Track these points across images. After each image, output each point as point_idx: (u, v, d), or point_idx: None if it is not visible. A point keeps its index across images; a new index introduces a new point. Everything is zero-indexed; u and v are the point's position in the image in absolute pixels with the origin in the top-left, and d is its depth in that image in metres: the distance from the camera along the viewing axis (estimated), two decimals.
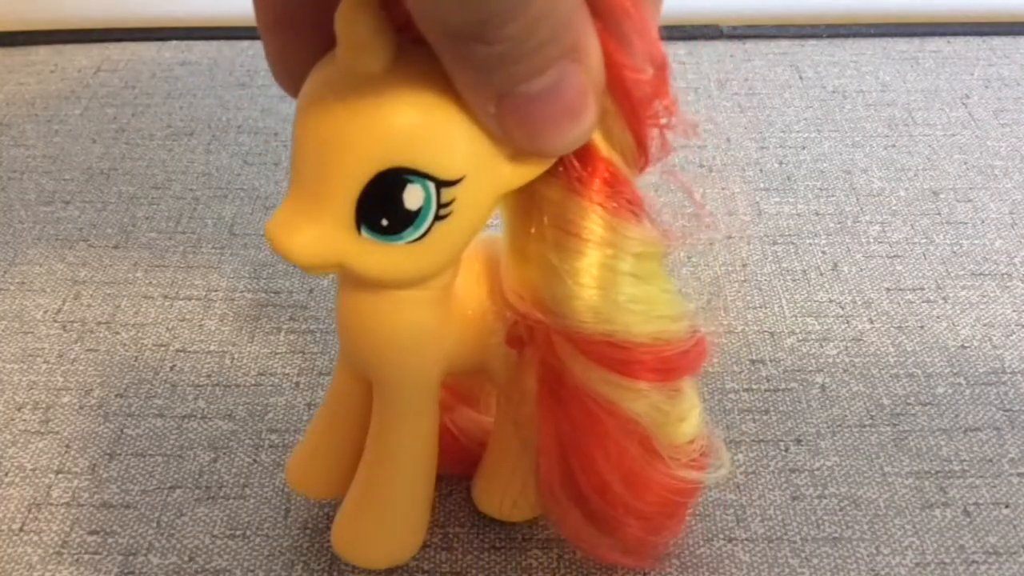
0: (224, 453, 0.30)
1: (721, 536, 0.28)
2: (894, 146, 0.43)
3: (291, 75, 0.21)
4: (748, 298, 0.36)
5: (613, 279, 0.21)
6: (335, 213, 0.19)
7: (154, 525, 0.28)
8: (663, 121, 0.21)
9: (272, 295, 0.36)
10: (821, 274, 0.37)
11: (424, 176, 0.19)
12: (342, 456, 0.26)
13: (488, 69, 0.18)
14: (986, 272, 0.37)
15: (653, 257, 0.22)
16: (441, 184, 0.19)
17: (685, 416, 0.23)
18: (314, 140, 0.19)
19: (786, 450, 0.30)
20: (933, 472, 0.30)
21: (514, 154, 0.20)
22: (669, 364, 0.22)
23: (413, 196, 0.19)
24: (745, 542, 0.28)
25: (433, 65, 0.19)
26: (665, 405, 0.23)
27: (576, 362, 0.22)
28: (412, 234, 0.20)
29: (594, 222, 0.21)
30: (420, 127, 0.19)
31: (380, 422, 0.24)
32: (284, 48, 0.21)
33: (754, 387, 0.32)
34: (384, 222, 0.19)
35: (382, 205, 0.19)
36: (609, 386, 0.22)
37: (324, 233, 0.19)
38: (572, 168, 0.21)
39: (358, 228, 0.19)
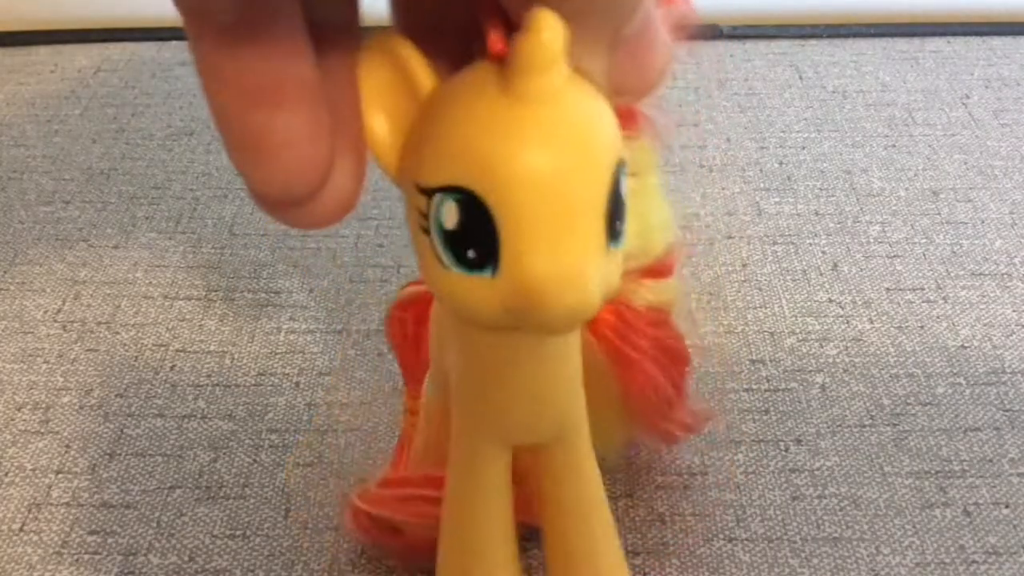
0: (224, 453, 0.30)
1: (721, 536, 0.28)
2: (894, 146, 0.43)
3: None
4: (748, 298, 0.36)
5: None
6: (597, 239, 0.17)
7: (154, 525, 0.28)
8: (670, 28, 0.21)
9: (272, 295, 0.36)
10: (821, 274, 0.37)
11: (625, 162, 0.18)
12: (509, 556, 0.24)
13: (603, 16, 0.17)
14: (986, 272, 0.37)
15: (650, 170, 0.22)
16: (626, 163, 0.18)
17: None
18: (556, 180, 0.17)
19: (786, 450, 0.30)
20: (933, 472, 0.30)
21: None
22: (666, 264, 0.26)
23: (625, 185, 0.18)
24: (745, 542, 0.28)
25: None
26: (663, 292, 0.26)
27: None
28: (626, 225, 0.18)
29: None
30: (611, 115, 0.18)
31: (574, 478, 0.23)
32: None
33: (754, 387, 0.32)
34: (619, 224, 0.18)
35: (617, 208, 0.18)
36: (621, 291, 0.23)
37: (599, 266, 0.17)
38: None
39: (608, 243, 0.18)
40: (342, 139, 0.18)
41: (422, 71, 0.18)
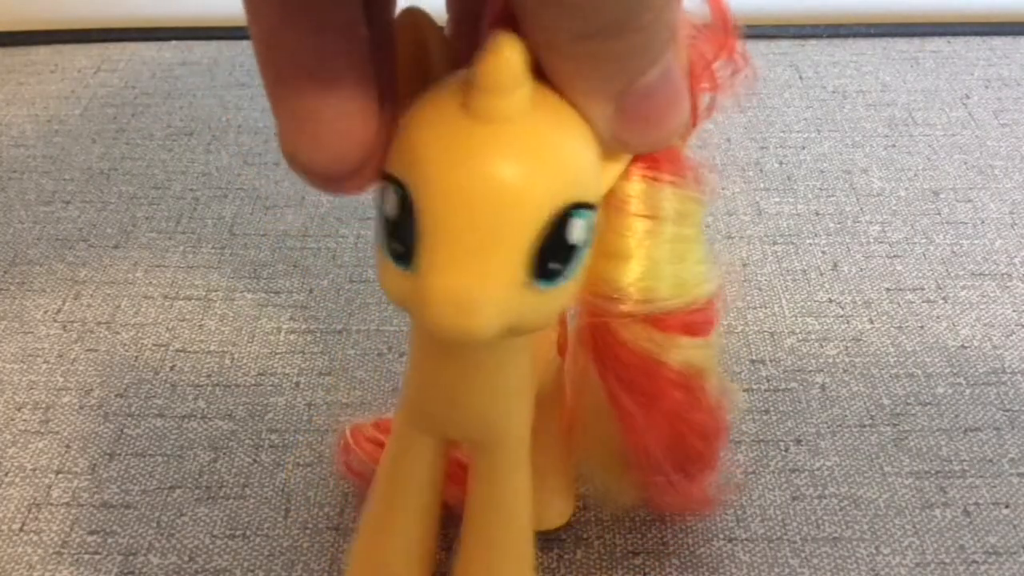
0: (224, 453, 0.30)
1: (721, 536, 0.28)
2: (894, 146, 0.43)
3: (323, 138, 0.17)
4: (748, 298, 0.36)
5: (659, 250, 0.21)
6: (510, 270, 0.17)
7: (154, 525, 0.28)
8: (722, 78, 0.21)
9: (272, 295, 0.36)
10: (821, 274, 0.37)
11: (586, 206, 0.18)
12: (419, 539, 0.24)
13: (618, 64, 0.17)
14: (986, 272, 0.37)
15: (693, 220, 0.22)
16: (592, 210, 0.18)
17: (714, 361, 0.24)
18: (479, 198, 0.17)
19: (786, 450, 0.30)
20: (933, 472, 0.30)
21: (607, 159, 0.19)
22: (704, 320, 0.23)
23: (576, 230, 0.18)
24: (745, 542, 0.28)
25: (547, 95, 0.18)
26: (699, 353, 0.23)
27: (628, 333, 0.22)
28: (574, 271, 0.18)
29: (636, 195, 0.21)
30: (583, 156, 0.18)
31: (489, 483, 0.23)
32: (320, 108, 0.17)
33: (754, 387, 0.32)
34: (553, 265, 0.18)
35: (553, 248, 0.18)
36: (652, 344, 0.22)
37: (504, 297, 0.17)
38: None
39: (530, 280, 0.18)
40: (386, 112, 0.18)
41: (440, 57, 0.18)
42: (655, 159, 0.21)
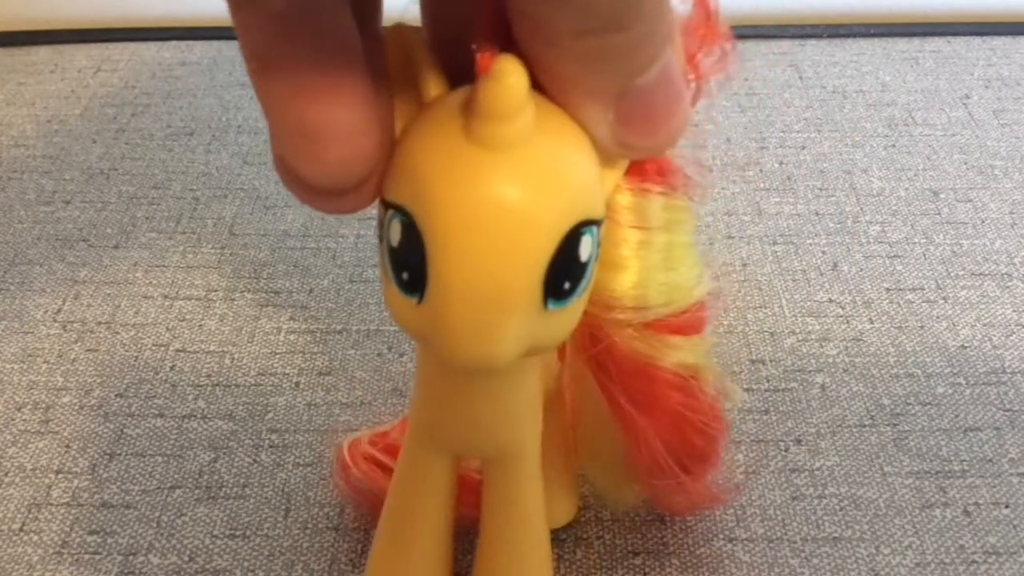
0: (224, 453, 0.30)
1: (721, 536, 0.28)
2: (894, 146, 0.43)
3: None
4: (748, 298, 0.36)
5: (652, 259, 0.21)
6: (525, 295, 0.17)
7: (154, 525, 0.28)
8: (707, 65, 0.21)
9: (272, 295, 0.36)
10: (821, 274, 0.37)
11: (593, 222, 0.18)
12: (437, 559, 0.24)
13: (619, 61, 0.17)
14: (986, 272, 0.37)
15: (684, 227, 0.22)
16: (599, 224, 0.18)
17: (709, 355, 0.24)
18: (491, 227, 0.17)
19: (786, 450, 0.30)
20: (933, 472, 0.30)
21: (606, 168, 0.19)
22: (696, 320, 0.23)
23: (587, 246, 0.18)
24: (745, 542, 0.28)
25: (548, 111, 0.17)
26: (693, 352, 0.23)
27: (622, 338, 0.22)
28: (585, 287, 0.18)
29: (626, 207, 0.20)
30: (588, 173, 0.18)
31: (504, 495, 0.23)
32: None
33: (754, 387, 0.32)
34: (566, 285, 0.18)
35: (565, 267, 0.17)
36: (646, 347, 0.22)
37: (521, 322, 0.17)
38: None
39: (545, 303, 0.17)
40: (386, 125, 0.18)
41: (433, 75, 0.18)
42: (643, 170, 0.21)
